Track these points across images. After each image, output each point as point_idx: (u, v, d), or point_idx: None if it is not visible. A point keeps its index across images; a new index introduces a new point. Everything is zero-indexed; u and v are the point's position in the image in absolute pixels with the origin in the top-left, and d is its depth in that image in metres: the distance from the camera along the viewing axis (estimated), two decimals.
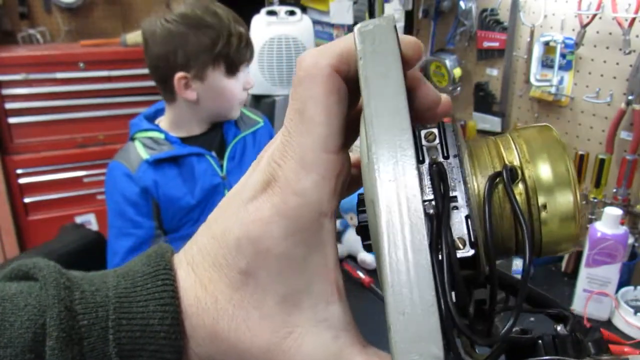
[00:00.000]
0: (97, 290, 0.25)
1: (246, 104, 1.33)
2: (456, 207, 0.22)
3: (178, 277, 0.26)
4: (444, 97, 0.26)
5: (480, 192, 0.23)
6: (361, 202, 0.26)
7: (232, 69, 1.19)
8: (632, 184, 1.18)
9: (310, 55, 0.24)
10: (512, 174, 0.23)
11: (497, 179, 0.23)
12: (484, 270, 0.23)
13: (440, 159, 0.23)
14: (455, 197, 0.22)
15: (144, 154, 1.17)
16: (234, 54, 1.17)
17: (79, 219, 2.34)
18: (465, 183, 0.22)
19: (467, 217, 0.22)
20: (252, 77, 1.29)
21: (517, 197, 0.23)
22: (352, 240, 1.34)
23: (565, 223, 0.23)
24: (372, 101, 0.22)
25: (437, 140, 0.23)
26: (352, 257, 1.33)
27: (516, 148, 0.24)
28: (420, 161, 0.22)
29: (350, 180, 0.28)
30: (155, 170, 1.17)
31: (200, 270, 0.26)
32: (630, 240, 1.13)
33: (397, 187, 0.20)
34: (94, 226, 2.38)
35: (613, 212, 1.03)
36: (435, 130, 0.24)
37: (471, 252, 0.21)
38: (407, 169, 0.21)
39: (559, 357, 0.24)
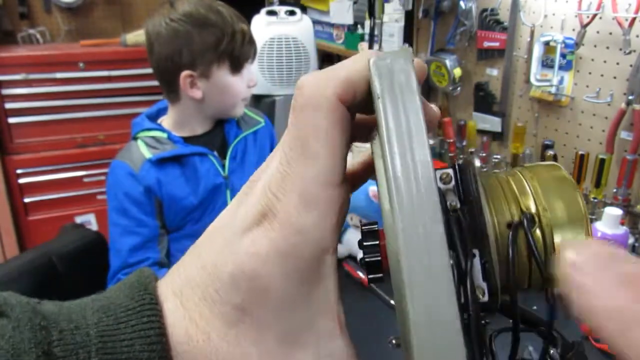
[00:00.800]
0: (77, 329, 0.23)
1: (247, 103, 1.33)
2: (474, 255, 0.22)
3: (165, 311, 0.24)
4: (436, 109, 0.26)
5: (498, 237, 0.23)
6: (366, 234, 0.25)
7: (236, 66, 1.20)
8: (632, 184, 1.18)
9: (314, 81, 0.23)
10: (530, 221, 0.23)
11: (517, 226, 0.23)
12: (496, 311, 0.23)
13: (458, 205, 0.22)
14: (475, 252, 0.22)
15: (147, 153, 1.17)
16: (238, 52, 1.18)
17: (79, 219, 2.34)
18: (484, 232, 0.22)
19: (484, 265, 0.22)
20: (256, 78, 1.30)
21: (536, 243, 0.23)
22: (352, 240, 1.34)
23: None
24: (395, 152, 0.21)
25: (453, 182, 0.23)
26: (352, 257, 1.33)
27: (531, 192, 0.24)
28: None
29: (355, 176, 0.28)
30: (158, 169, 1.17)
31: (190, 304, 0.24)
32: (630, 240, 1.13)
33: (424, 248, 0.20)
34: (94, 226, 2.38)
35: (613, 212, 1.03)
36: (451, 172, 0.23)
37: (487, 298, 0.22)
38: (434, 234, 0.20)
39: None
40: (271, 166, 0.24)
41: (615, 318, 0.15)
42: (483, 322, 0.22)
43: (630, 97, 1.15)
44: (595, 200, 1.25)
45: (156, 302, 0.24)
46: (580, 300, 0.16)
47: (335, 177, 0.23)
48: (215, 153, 1.25)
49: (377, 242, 0.25)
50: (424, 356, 0.19)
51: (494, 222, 0.23)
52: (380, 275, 0.25)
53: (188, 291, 0.24)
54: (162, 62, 1.17)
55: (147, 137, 1.20)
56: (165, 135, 1.21)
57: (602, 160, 1.21)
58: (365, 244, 0.25)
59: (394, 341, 0.24)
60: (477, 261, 0.22)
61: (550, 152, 1.33)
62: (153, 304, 0.24)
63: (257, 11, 1.87)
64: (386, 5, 1.84)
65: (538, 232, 0.23)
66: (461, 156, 1.64)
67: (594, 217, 1.25)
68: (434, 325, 0.19)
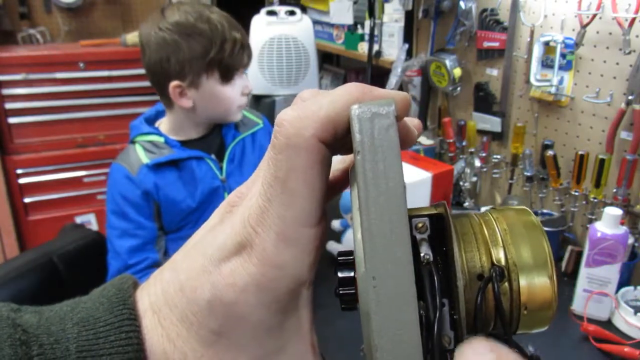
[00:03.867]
0: (57, 342, 0.23)
1: (246, 104, 1.33)
2: (443, 304, 0.23)
3: (143, 328, 0.25)
4: (417, 122, 0.26)
5: (467, 286, 0.24)
6: (342, 266, 0.26)
7: (227, 76, 1.18)
8: (632, 184, 1.18)
9: (294, 121, 0.23)
10: (499, 275, 0.24)
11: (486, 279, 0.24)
12: None
13: (431, 258, 0.23)
14: (444, 301, 0.23)
15: (144, 158, 1.18)
16: (227, 60, 1.15)
17: (79, 219, 2.34)
18: (455, 284, 0.23)
19: (452, 315, 0.23)
20: (251, 80, 1.29)
21: (502, 296, 0.24)
22: (351, 240, 1.34)
23: (541, 314, 0.25)
24: (372, 214, 0.21)
25: (428, 232, 0.24)
26: None
27: (502, 241, 0.25)
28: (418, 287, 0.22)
29: (335, 183, 0.28)
30: (155, 174, 1.17)
31: (168, 324, 0.24)
32: (630, 240, 1.13)
33: (394, 306, 0.21)
34: (94, 226, 2.38)
35: (613, 212, 1.03)
36: (427, 221, 0.24)
37: (452, 346, 0.23)
38: (405, 292, 0.21)
39: None
40: (251, 196, 0.25)
41: None
42: None
43: (630, 97, 1.15)
44: (595, 200, 1.25)
45: (135, 318, 0.25)
46: None
47: (313, 217, 0.23)
48: (213, 156, 1.26)
49: (353, 275, 0.25)
50: None
51: (464, 273, 0.24)
52: (354, 306, 0.25)
53: (166, 310, 0.25)
54: (152, 70, 1.17)
55: (144, 142, 1.20)
56: (162, 139, 1.21)
57: (602, 160, 1.21)
58: (340, 275, 0.25)
59: (362, 353, 0.25)
60: (446, 310, 0.23)
61: (550, 152, 1.33)
62: (132, 319, 0.24)
63: (257, 11, 1.87)
64: (386, 5, 1.85)
65: (506, 284, 0.24)
66: (462, 156, 1.64)
67: (593, 217, 1.26)
68: None
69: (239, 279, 0.23)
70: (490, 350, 0.18)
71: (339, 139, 0.24)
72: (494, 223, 0.26)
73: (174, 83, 1.14)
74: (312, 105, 0.23)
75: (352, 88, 0.24)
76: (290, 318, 0.24)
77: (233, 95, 1.21)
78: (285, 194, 0.23)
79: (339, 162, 0.29)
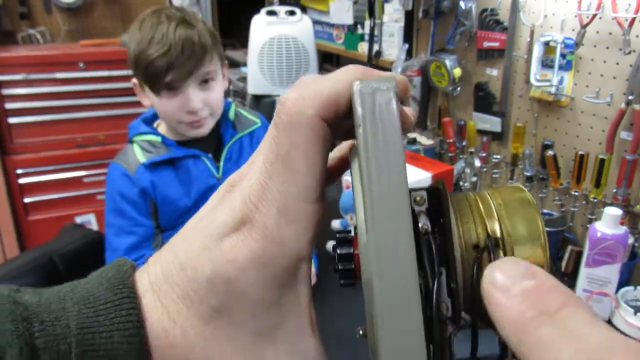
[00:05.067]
0: (57, 320, 0.24)
1: (245, 104, 1.33)
2: (441, 273, 0.24)
3: (143, 306, 0.25)
4: (410, 112, 0.26)
5: (464, 257, 0.25)
6: (340, 242, 0.26)
7: (154, 89, 1.13)
8: (632, 184, 1.18)
9: (296, 100, 0.24)
10: (495, 245, 0.25)
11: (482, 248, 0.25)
12: (458, 325, 0.25)
13: (429, 228, 0.24)
14: (442, 268, 0.24)
15: (141, 157, 1.19)
16: (150, 76, 1.10)
17: (79, 219, 2.34)
18: (452, 254, 0.24)
19: (449, 284, 0.24)
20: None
21: None
22: None
23: None
24: (374, 185, 0.22)
25: (426, 205, 0.25)
26: None
27: (497, 215, 0.26)
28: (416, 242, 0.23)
29: (332, 171, 0.29)
30: (152, 173, 1.19)
31: (168, 301, 0.25)
32: (630, 240, 1.13)
33: (395, 272, 0.21)
34: (94, 226, 2.38)
35: (613, 212, 1.03)
36: (425, 194, 0.25)
37: (450, 313, 0.24)
38: (405, 258, 0.21)
39: None
40: (251, 174, 0.25)
41: (513, 327, 0.16)
42: (449, 335, 0.24)
43: (630, 97, 1.15)
44: (595, 200, 1.25)
45: (134, 296, 0.25)
46: (493, 313, 0.18)
47: (314, 194, 0.24)
48: (210, 155, 1.26)
49: (351, 251, 0.26)
50: (389, 358, 0.21)
51: (461, 244, 0.25)
52: (352, 282, 0.26)
53: (166, 289, 0.25)
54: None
55: (142, 141, 1.22)
56: (159, 139, 1.22)
57: (602, 160, 1.21)
58: (339, 252, 0.26)
59: (360, 332, 0.26)
60: (443, 279, 0.24)
61: (550, 152, 1.33)
62: (132, 298, 0.25)
63: (257, 11, 1.87)
64: (386, 5, 1.85)
65: (501, 254, 0.25)
66: (461, 155, 1.64)
67: (593, 217, 1.26)
68: (400, 342, 0.21)
69: (240, 255, 0.23)
70: (528, 273, 0.17)
71: (339, 119, 0.24)
72: (489, 199, 0.27)
73: (134, 79, 1.18)
74: (313, 85, 0.24)
75: (353, 69, 0.24)
76: (289, 294, 0.25)
77: (170, 109, 1.14)
78: (287, 171, 0.23)
79: (335, 150, 0.30)
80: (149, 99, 1.18)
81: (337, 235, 0.26)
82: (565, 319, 0.16)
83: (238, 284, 0.24)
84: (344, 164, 0.29)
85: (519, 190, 0.27)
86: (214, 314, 0.24)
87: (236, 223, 0.24)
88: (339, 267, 0.26)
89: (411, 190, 0.24)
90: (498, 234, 0.25)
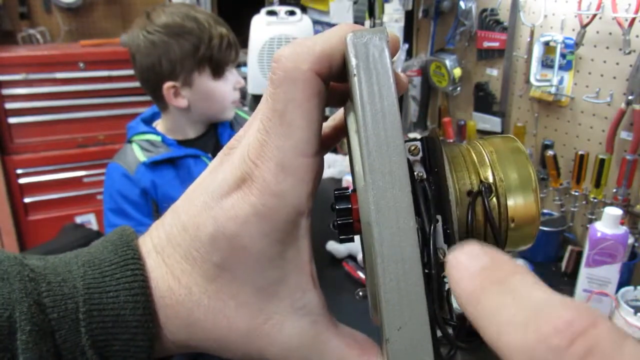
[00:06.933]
0: (64, 281, 0.25)
1: (245, 104, 1.34)
2: (437, 220, 0.24)
3: (147, 267, 0.26)
4: (404, 77, 0.27)
5: (459, 204, 0.26)
6: (339, 199, 0.27)
7: (218, 71, 1.19)
8: (632, 184, 1.18)
9: (291, 56, 0.24)
10: (488, 191, 0.26)
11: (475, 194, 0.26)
12: None
13: (424, 175, 0.25)
14: (437, 217, 0.24)
15: (141, 156, 1.19)
16: (217, 56, 1.17)
17: (79, 219, 2.34)
18: (447, 199, 0.25)
19: (446, 230, 0.24)
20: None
21: (492, 210, 0.26)
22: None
23: (527, 229, 0.26)
24: (370, 130, 0.22)
25: (421, 154, 0.25)
26: (352, 257, 1.33)
27: (490, 162, 0.26)
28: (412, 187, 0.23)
29: (327, 139, 0.29)
30: (153, 172, 1.19)
31: (172, 262, 0.25)
32: (630, 240, 1.13)
33: (393, 213, 0.22)
34: (94, 226, 2.38)
35: (613, 212, 1.03)
36: (419, 144, 0.25)
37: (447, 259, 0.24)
38: (402, 199, 0.22)
39: None
40: (249, 135, 0.26)
41: (470, 300, 0.17)
42: (444, 278, 0.25)
43: (630, 97, 1.15)
44: (595, 200, 1.25)
45: (139, 258, 0.26)
46: (454, 292, 0.19)
47: (311, 148, 0.24)
48: (210, 155, 1.26)
49: (350, 206, 0.26)
50: (389, 306, 0.22)
51: (455, 190, 0.26)
52: (351, 236, 0.27)
53: (170, 249, 0.26)
54: (145, 74, 1.18)
55: (141, 141, 1.22)
56: (159, 138, 1.22)
57: (602, 160, 1.21)
58: (338, 207, 0.26)
59: (360, 293, 0.26)
60: (439, 226, 0.24)
61: (550, 152, 1.33)
62: (136, 259, 0.25)
63: (257, 11, 1.87)
64: (386, 5, 1.84)
65: (494, 200, 0.26)
66: None
67: (593, 217, 1.26)
68: (400, 279, 0.22)
69: (241, 210, 0.24)
70: (484, 253, 0.18)
71: (333, 75, 0.24)
72: (481, 147, 0.27)
73: (167, 84, 1.15)
74: (307, 42, 0.24)
75: (345, 25, 0.25)
76: (290, 249, 0.25)
77: (226, 91, 1.22)
78: (284, 125, 0.24)
79: (330, 119, 0.30)
80: (185, 99, 1.18)
81: (335, 193, 0.27)
82: (511, 284, 0.17)
83: (240, 239, 0.24)
84: (339, 132, 0.30)
85: (510, 139, 0.28)
86: (217, 271, 0.25)
87: (236, 181, 0.24)
88: (338, 222, 0.26)
89: (406, 142, 0.25)
90: (491, 180, 0.26)
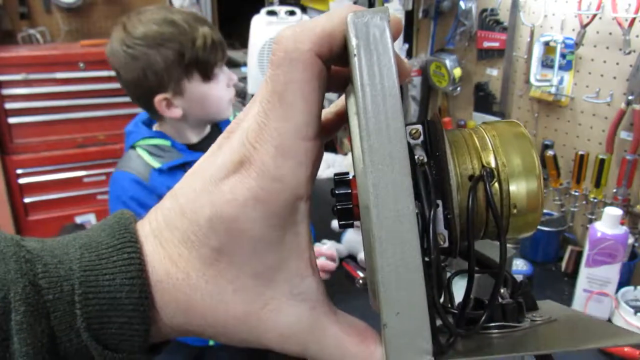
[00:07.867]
0: (60, 263, 0.24)
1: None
2: (437, 205, 0.24)
3: (144, 251, 0.25)
4: (407, 64, 0.27)
5: (460, 189, 0.25)
6: (338, 183, 0.26)
7: (207, 74, 1.14)
8: (632, 184, 1.18)
9: (291, 37, 0.24)
10: (490, 176, 0.25)
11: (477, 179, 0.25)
12: (455, 256, 0.25)
13: (425, 159, 0.24)
14: (438, 202, 0.24)
15: (153, 162, 1.14)
16: (203, 58, 1.11)
17: (79, 219, 2.34)
18: (448, 183, 0.24)
19: (446, 215, 0.24)
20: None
21: (493, 196, 0.25)
22: (352, 241, 1.34)
23: (529, 216, 0.26)
24: (369, 111, 0.22)
25: (422, 138, 0.25)
26: (352, 257, 1.33)
27: (492, 147, 0.26)
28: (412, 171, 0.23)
29: (328, 125, 0.29)
30: (168, 177, 1.14)
31: (169, 246, 0.25)
32: (630, 240, 1.13)
33: (392, 196, 0.22)
34: None
35: (613, 212, 1.03)
36: (420, 128, 0.25)
37: (447, 244, 0.24)
38: (401, 182, 0.22)
39: (506, 324, 0.27)
40: (248, 118, 0.25)
41: None
42: (443, 264, 0.25)
43: (630, 97, 1.15)
44: (595, 200, 1.25)
45: (136, 241, 0.25)
46: None
47: (311, 130, 0.24)
48: None
49: (349, 191, 0.26)
50: (387, 290, 0.22)
51: (457, 175, 0.25)
52: (351, 222, 0.26)
53: (167, 234, 0.25)
54: (133, 90, 1.14)
55: (148, 146, 1.17)
56: (168, 143, 1.18)
57: (602, 160, 1.21)
58: (337, 192, 0.26)
59: (360, 281, 0.26)
60: (440, 211, 0.24)
61: (550, 152, 1.33)
62: (133, 242, 0.25)
63: (257, 11, 1.87)
64: (386, 5, 1.85)
65: (496, 185, 0.25)
66: None
67: (593, 217, 1.26)
68: (398, 264, 0.22)
69: (239, 194, 0.24)
70: None
71: (334, 56, 0.24)
72: (484, 132, 0.27)
73: (158, 97, 1.11)
74: (308, 23, 0.24)
75: (346, 6, 0.24)
76: (288, 233, 0.25)
77: (220, 92, 1.18)
78: (283, 108, 0.23)
79: (332, 106, 0.30)
80: (179, 109, 1.14)
81: (335, 177, 0.27)
82: None
83: (238, 223, 0.24)
84: (341, 118, 0.29)
85: (514, 124, 0.27)
86: (215, 256, 0.24)
87: (235, 164, 0.24)
88: (337, 207, 0.26)
89: (407, 125, 0.24)
90: (493, 164, 0.25)
